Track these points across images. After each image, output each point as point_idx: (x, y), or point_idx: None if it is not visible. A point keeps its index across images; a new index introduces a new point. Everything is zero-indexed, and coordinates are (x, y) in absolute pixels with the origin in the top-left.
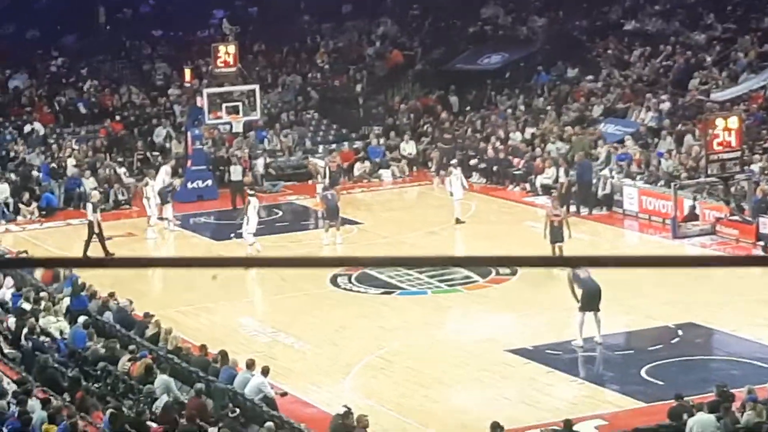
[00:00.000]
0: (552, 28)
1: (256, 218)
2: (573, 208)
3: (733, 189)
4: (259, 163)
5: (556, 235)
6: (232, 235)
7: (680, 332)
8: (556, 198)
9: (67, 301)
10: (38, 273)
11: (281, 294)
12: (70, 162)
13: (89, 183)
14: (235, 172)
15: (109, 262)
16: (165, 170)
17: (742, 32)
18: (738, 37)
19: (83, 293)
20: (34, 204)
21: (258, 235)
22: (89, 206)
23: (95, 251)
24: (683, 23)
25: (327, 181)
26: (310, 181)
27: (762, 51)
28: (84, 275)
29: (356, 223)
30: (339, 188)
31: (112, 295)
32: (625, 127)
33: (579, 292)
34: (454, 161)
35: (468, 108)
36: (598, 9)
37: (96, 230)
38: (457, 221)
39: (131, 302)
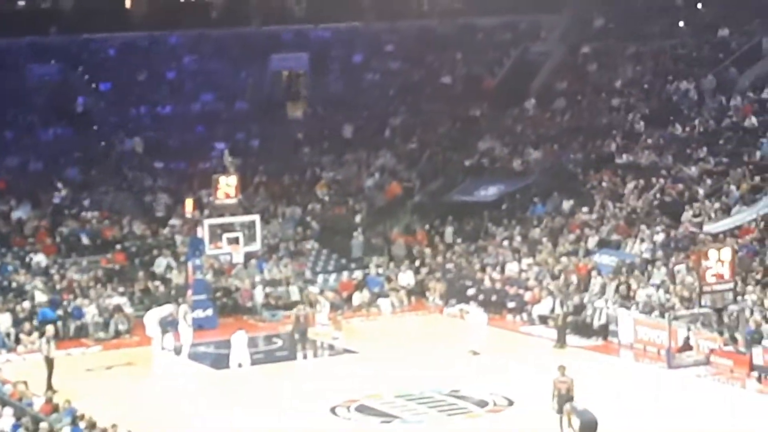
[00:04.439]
0: (547, 160)
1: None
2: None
3: (726, 320)
4: (259, 293)
5: (564, 403)
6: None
7: None
8: (563, 366)
9: (66, 431)
10: (37, 404)
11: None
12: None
13: (90, 312)
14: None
15: None
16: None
17: (734, 165)
18: (730, 170)
19: (81, 424)
20: (35, 334)
21: (257, 364)
22: (43, 339)
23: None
24: (676, 157)
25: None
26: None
27: (754, 184)
28: (83, 406)
29: (352, 352)
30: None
31: (113, 426)
32: (620, 258)
33: (576, 422)
34: (471, 305)
35: (465, 239)
36: (592, 142)
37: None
38: (473, 353)
39: None
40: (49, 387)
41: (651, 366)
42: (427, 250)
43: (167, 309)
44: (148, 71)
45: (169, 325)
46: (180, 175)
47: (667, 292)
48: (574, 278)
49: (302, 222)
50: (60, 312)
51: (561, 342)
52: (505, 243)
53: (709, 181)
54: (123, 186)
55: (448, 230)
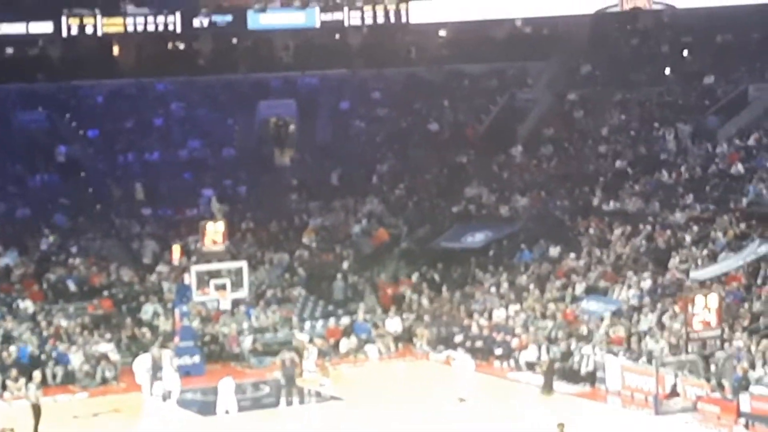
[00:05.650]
0: (534, 207)
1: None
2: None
3: (713, 366)
4: (246, 340)
5: None
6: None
7: None
8: (562, 424)
9: None
10: None
11: None
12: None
13: (77, 359)
14: None
15: None
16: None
17: (720, 212)
18: (716, 217)
19: None
20: (22, 380)
21: (245, 410)
22: (31, 386)
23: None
24: (662, 203)
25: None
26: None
27: (740, 230)
28: None
29: (339, 399)
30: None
31: None
32: (607, 305)
33: None
34: (458, 352)
35: (452, 286)
36: (580, 189)
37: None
38: (461, 399)
39: None
40: None
41: (638, 412)
42: (414, 297)
43: (151, 354)
44: (136, 118)
45: (157, 370)
46: (167, 222)
47: (654, 337)
48: (584, 329)
49: (289, 268)
50: (44, 357)
51: (548, 388)
52: (493, 289)
53: (695, 228)
54: (110, 233)
55: (438, 276)
